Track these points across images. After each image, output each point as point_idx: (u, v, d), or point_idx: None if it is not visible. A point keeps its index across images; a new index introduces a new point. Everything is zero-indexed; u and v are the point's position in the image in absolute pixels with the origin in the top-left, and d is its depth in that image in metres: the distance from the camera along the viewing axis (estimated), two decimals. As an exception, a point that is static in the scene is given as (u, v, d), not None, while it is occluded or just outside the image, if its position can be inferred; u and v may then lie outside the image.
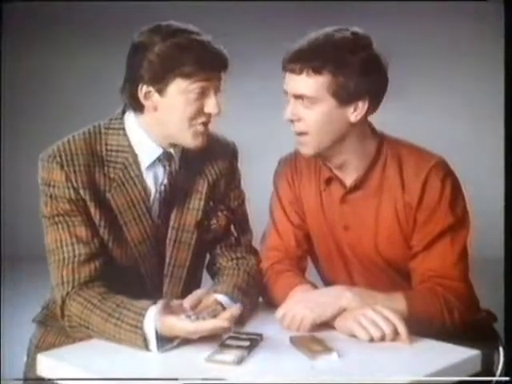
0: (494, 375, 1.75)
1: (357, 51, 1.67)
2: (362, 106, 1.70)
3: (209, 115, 1.67)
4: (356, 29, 1.72)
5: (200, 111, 1.66)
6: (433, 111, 5.67)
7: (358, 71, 1.67)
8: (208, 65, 1.63)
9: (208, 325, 1.47)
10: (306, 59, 1.67)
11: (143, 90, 1.66)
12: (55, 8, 5.48)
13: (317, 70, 1.66)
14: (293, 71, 1.69)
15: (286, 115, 1.72)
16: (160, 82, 1.64)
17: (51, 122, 5.89)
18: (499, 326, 1.87)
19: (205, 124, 1.68)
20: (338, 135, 1.73)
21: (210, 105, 1.66)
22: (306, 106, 1.69)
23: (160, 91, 1.65)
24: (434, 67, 5.65)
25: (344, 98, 1.68)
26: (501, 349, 1.80)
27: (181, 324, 1.47)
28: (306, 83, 1.67)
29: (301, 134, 1.73)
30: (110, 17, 5.66)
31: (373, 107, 1.73)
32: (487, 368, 1.66)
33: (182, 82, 1.63)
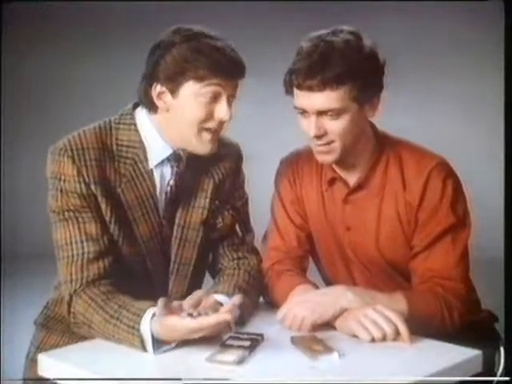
0: (494, 375, 1.75)
1: (360, 50, 1.67)
2: (377, 101, 1.72)
3: (219, 121, 1.66)
4: (346, 27, 1.70)
5: (210, 116, 1.65)
6: (433, 111, 5.68)
7: (367, 68, 1.66)
8: (222, 70, 1.62)
9: (211, 320, 1.45)
10: (325, 73, 1.63)
11: (157, 89, 1.66)
12: (55, 8, 5.48)
13: (339, 82, 1.63)
14: (313, 89, 1.64)
15: (311, 132, 1.69)
16: (173, 82, 1.63)
17: (52, 122, 5.89)
18: (500, 326, 1.87)
19: (214, 131, 1.68)
20: (359, 135, 1.73)
21: (221, 111, 1.65)
22: (331, 117, 1.67)
23: (172, 92, 1.64)
24: (434, 67, 5.66)
25: (363, 99, 1.68)
26: (502, 349, 1.80)
27: (183, 322, 1.45)
28: (330, 97, 1.65)
29: (328, 143, 1.71)
30: (111, 16, 5.67)
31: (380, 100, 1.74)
32: (488, 368, 1.66)
33: (195, 85, 1.62)
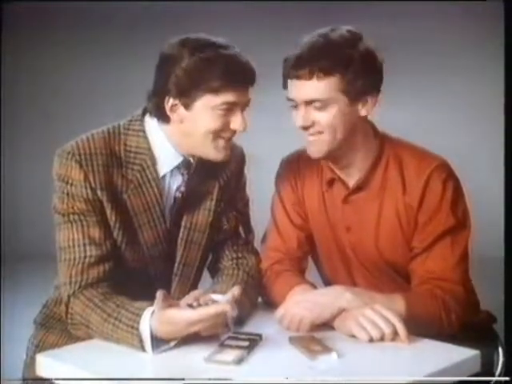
0: (493, 375, 1.75)
1: (356, 46, 1.67)
2: (371, 100, 1.71)
3: (234, 131, 1.67)
4: (347, 27, 1.71)
5: (225, 127, 1.66)
6: (433, 111, 5.68)
7: (361, 66, 1.67)
8: (235, 79, 1.61)
9: (211, 310, 1.45)
10: (314, 62, 1.65)
11: (170, 102, 1.65)
12: (55, 8, 5.48)
13: (327, 72, 1.65)
14: (300, 77, 1.66)
15: (298, 122, 1.70)
16: (187, 96, 1.63)
17: (51, 122, 5.89)
18: (499, 326, 1.87)
19: (228, 139, 1.68)
20: (349, 131, 1.72)
21: (237, 122, 1.65)
22: (319, 108, 1.68)
23: (186, 105, 1.64)
24: (434, 67, 5.66)
25: (354, 94, 1.68)
26: (500, 349, 1.80)
27: (182, 314, 1.46)
28: (317, 87, 1.66)
29: (316, 133, 1.71)
30: (111, 16, 5.66)
31: (377, 101, 1.73)
32: (487, 368, 1.66)
33: (209, 99, 1.62)
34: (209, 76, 1.60)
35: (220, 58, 1.61)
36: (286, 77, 1.70)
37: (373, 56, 1.70)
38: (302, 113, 1.70)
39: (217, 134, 1.66)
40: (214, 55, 1.61)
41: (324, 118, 1.69)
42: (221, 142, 1.68)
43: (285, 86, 1.73)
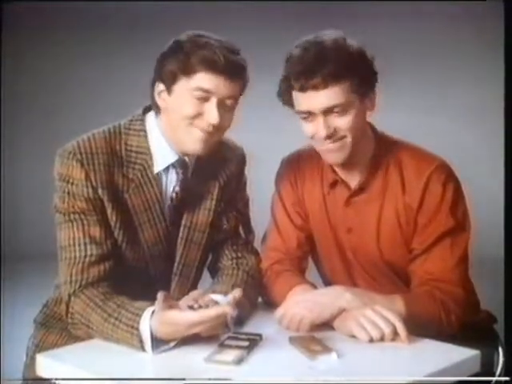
0: (493, 375, 1.75)
1: (349, 47, 1.68)
2: (374, 95, 1.73)
3: (208, 123, 1.65)
4: (329, 31, 1.71)
5: (199, 115, 1.64)
6: (433, 112, 5.68)
7: (361, 63, 1.68)
8: (212, 66, 1.61)
9: (211, 312, 1.45)
10: (324, 69, 1.63)
11: (158, 88, 1.68)
12: (55, 8, 5.48)
13: (340, 76, 1.64)
14: (316, 87, 1.64)
15: (320, 133, 1.68)
16: (169, 79, 1.65)
17: (51, 122, 5.89)
18: (499, 326, 1.87)
19: (206, 132, 1.66)
20: (363, 131, 1.73)
21: (209, 113, 1.64)
22: (339, 113, 1.67)
23: (169, 89, 1.66)
24: (434, 68, 5.66)
25: (363, 93, 1.69)
26: (500, 349, 1.80)
27: (183, 315, 1.45)
28: (334, 93, 1.65)
29: (339, 139, 1.70)
30: (110, 17, 5.67)
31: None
32: (487, 368, 1.66)
33: (185, 81, 1.63)
34: (188, 59, 1.61)
35: (204, 44, 1.62)
36: (299, 90, 1.67)
37: (364, 52, 1.71)
38: (322, 122, 1.68)
39: (191, 122, 1.65)
40: (201, 42, 1.63)
41: (345, 121, 1.68)
42: (196, 133, 1.66)
43: (285, 102, 1.72)
